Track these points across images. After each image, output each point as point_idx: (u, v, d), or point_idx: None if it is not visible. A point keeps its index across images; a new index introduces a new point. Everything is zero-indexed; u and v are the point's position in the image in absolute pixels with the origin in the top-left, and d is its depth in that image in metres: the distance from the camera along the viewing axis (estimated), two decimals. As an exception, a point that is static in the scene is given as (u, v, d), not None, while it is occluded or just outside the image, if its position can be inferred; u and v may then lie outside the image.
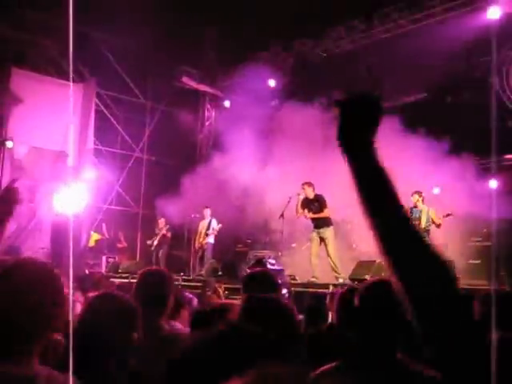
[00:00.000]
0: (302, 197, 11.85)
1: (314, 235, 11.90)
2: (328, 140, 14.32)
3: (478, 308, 3.01)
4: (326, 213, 11.70)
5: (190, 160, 17.90)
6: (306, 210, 11.80)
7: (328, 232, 11.79)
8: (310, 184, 11.85)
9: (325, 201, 11.77)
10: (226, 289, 8.47)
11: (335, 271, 11.55)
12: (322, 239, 11.81)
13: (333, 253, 11.71)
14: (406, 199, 11.91)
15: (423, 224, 11.31)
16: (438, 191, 13.34)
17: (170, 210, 15.69)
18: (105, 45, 16.67)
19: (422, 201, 11.64)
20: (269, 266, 11.03)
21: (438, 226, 11.39)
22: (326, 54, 16.16)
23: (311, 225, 12.17)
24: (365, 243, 12.42)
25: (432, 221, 11.39)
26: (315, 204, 11.77)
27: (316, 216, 11.72)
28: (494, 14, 12.38)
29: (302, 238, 13.73)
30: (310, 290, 10.46)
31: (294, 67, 16.42)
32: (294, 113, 14.73)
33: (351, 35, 15.48)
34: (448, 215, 11.43)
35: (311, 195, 11.83)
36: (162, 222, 15.77)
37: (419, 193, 11.63)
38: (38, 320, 2.00)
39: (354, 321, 2.71)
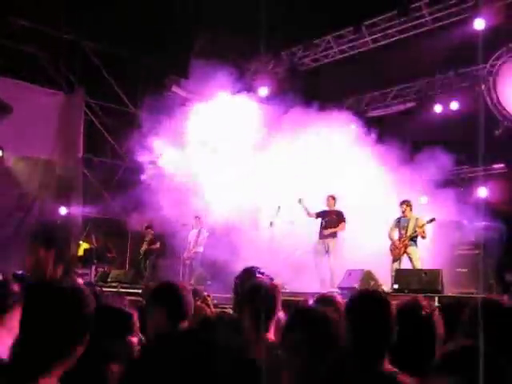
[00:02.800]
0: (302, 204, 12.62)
1: (319, 246, 12.48)
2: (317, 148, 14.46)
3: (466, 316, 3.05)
4: (341, 227, 12.43)
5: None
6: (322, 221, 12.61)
7: (333, 243, 12.41)
8: (334, 197, 12.76)
9: (344, 217, 12.53)
10: (214, 298, 8.45)
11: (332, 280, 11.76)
12: (327, 249, 12.35)
13: (334, 263, 12.16)
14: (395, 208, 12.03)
15: (409, 232, 11.48)
16: (426, 200, 13.42)
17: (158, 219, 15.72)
18: (94, 54, 16.66)
19: (410, 209, 11.73)
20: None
21: (423, 237, 11.46)
22: (315, 64, 16.25)
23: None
24: (353, 251, 12.49)
25: (418, 227, 11.47)
26: (333, 216, 12.52)
27: (332, 231, 12.39)
28: (480, 24, 12.50)
29: (292, 247, 13.79)
30: (300, 298, 10.44)
31: (283, 76, 16.49)
32: (284, 120, 14.81)
33: (340, 45, 15.58)
34: (431, 221, 11.50)
35: (332, 207, 12.70)
36: (148, 232, 15.78)
37: (407, 202, 11.75)
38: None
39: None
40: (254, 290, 3.79)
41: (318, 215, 12.76)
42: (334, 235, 12.49)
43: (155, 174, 16.39)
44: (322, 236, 12.60)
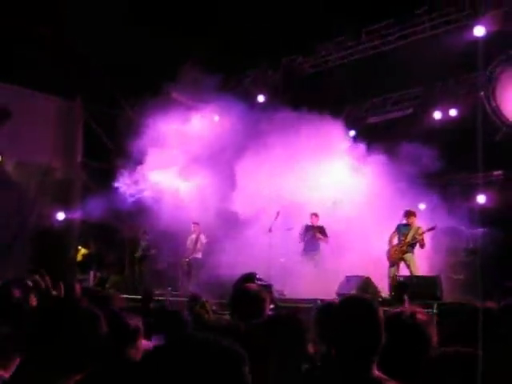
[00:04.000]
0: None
1: (306, 257, 13.42)
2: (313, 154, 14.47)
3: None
4: (324, 240, 13.52)
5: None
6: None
7: (317, 256, 13.35)
8: (317, 215, 13.63)
9: (326, 232, 13.56)
10: (213, 304, 8.44)
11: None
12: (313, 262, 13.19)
13: (321, 272, 12.73)
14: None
15: (409, 238, 11.62)
16: (423, 207, 13.46)
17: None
18: (93, 59, 16.64)
19: (415, 220, 11.85)
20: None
21: (422, 246, 11.56)
22: (315, 70, 16.26)
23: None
24: (353, 257, 12.51)
25: (418, 235, 11.57)
26: (317, 232, 13.50)
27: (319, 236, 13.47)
28: (479, 31, 12.52)
29: (291, 252, 13.79)
30: (299, 305, 10.43)
31: (282, 83, 16.49)
32: (282, 128, 14.81)
33: (340, 51, 15.60)
34: (431, 229, 11.56)
35: (315, 223, 13.60)
36: (144, 238, 15.74)
37: (412, 212, 11.89)
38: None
39: (329, 335, 2.74)
40: (239, 295, 3.87)
41: (303, 233, 13.65)
42: (317, 249, 13.48)
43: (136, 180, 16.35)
44: (307, 249, 13.54)
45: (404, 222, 11.97)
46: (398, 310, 3.08)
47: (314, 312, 3.92)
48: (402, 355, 2.77)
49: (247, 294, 3.91)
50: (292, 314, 2.64)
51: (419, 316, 3.01)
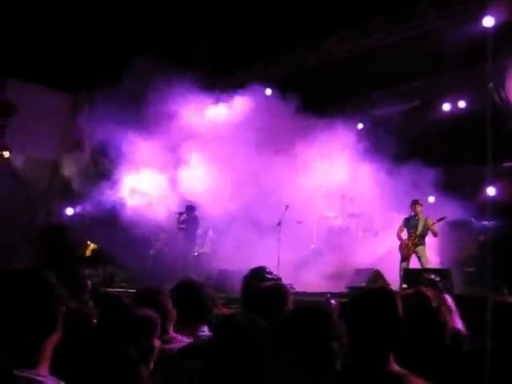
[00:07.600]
0: None
1: None
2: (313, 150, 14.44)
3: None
4: None
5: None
6: None
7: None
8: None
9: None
10: (221, 298, 8.42)
11: None
12: None
13: None
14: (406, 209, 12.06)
15: (419, 231, 11.58)
16: (433, 200, 13.41)
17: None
18: (99, 54, 16.59)
19: (421, 209, 11.82)
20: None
21: (435, 234, 11.55)
22: (320, 64, 16.15)
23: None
24: (362, 250, 12.48)
25: (428, 228, 11.56)
26: None
27: None
28: (489, 22, 12.39)
29: (301, 246, 13.79)
30: (308, 298, 10.39)
31: (287, 77, 16.40)
32: (287, 120, 14.77)
33: (344, 44, 15.49)
34: (441, 219, 11.53)
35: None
36: (162, 236, 15.75)
37: (418, 201, 11.86)
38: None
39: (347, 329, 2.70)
40: (266, 292, 3.80)
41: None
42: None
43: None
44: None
45: (411, 213, 11.96)
46: (406, 293, 3.04)
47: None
48: (416, 339, 2.73)
49: (271, 291, 3.83)
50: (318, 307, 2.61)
51: (429, 294, 2.98)
